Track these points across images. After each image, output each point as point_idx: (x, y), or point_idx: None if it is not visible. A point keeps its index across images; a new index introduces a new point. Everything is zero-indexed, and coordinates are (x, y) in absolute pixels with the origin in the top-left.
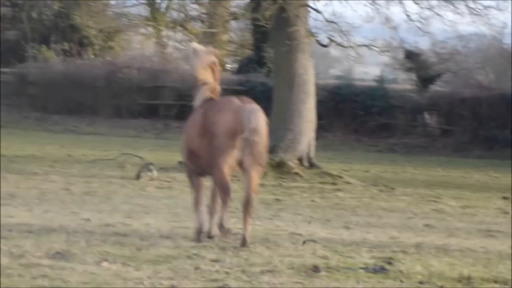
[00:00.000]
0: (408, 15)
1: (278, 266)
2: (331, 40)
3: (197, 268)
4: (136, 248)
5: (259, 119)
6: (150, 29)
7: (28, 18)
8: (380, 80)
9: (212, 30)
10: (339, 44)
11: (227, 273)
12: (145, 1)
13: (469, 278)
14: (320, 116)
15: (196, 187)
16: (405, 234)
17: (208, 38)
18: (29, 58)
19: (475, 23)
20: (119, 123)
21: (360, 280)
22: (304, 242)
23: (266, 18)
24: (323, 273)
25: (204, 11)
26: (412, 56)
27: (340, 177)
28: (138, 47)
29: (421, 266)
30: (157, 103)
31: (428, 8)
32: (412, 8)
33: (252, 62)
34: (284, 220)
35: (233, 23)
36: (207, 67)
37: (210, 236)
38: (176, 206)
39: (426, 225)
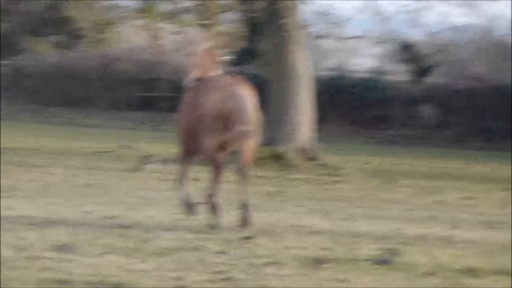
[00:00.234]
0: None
1: (282, 258)
2: (325, 32)
3: (201, 260)
4: (140, 240)
5: (250, 100)
6: (143, 21)
7: (19, 11)
8: (375, 71)
9: (205, 22)
10: (333, 36)
11: (231, 265)
12: None
13: (473, 270)
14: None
15: (182, 161)
16: (409, 225)
17: (201, 30)
18: (24, 50)
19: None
20: (116, 115)
21: (365, 272)
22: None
23: (257, 9)
24: (327, 265)
25: (196, 2)
26: (406, 47)
27: (341, 169)
28: (131, 39)
29: (425, 257)
30: (152, 95)
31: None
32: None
33: (246, 54)
34: (287, 212)
35: (226, 15)
36: (201, 52)
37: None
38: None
39: (429, 217)
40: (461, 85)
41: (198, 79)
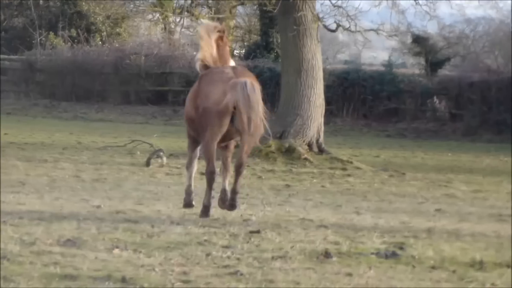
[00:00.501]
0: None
1: (289, 252)
2: (339, 25)
3: (208, 254)
4: (147, 234)
5: (253, 95)
6: (157, 15)
7: (34, 5)
8: (389, 64)
9: (219, 15)
10: (347, 29)
11: (238, 259)
12: None
13: (481, 263)
14: (328, 102)
15: (191, 149)
16: (417, 219)
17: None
18: (37, 45)
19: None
20: (128, 109)
21: (372, 265)
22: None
23: (272, 3)
24: (334, 258)
25: None
26: (420, 40)
27: (350, 162)
28: (146, 33)
29: (433, 251)
30: (165, 89)
31: None
32: None
33: (260, 48)
34: (295, 205)
35: (240, 9)
36: (212, 42)
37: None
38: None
39: (438, 210)
40: (475, 78)
41: (207, 69)
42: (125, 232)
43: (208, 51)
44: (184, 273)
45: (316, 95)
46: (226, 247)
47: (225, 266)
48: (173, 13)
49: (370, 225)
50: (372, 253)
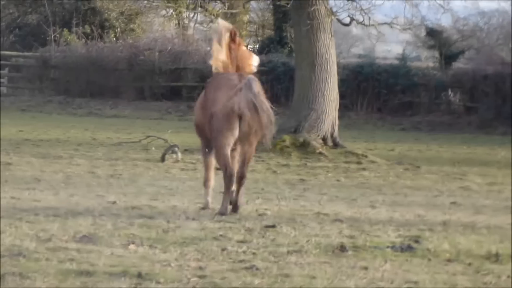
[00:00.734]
0: None
1: (305, 246)
2: (352, 19)
3: (224, 249)
4: (162, 230)
5: (256, 95)
6: (171, 10)
7: (48, 2)
8: (403, 58)
9: (233, 10)
10: (360, 23)
11: (254, 254)
12: None
13: (497, 255)
14: (343, 95)
15: (206, 166)
16: (432, 212)
17: (229, 19)
18: (51, 42)
19: None
20: (142, 105)
21: (387, 258)
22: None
23: None
24: (350, 252)
25: None
26: (434, 33)
27: (365, 156)
28: (160, 29)
29: (448, 244)
30: (179, 85)
31: None
32: None
33: (273, 42)
34: (310, 200)
35: (253, 4)
36: (224, 46)
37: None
38: (201, 188)
39: (453, 203)
40: (489, 71)
41: (216, 73)
42: (140, 228)
43: (218, 58)
44: (200, 268)
45: (330, 89)
46: (242, 241)
47: (241, 261)
48: (187, 8)
49: (385, 218)
50: (388, 247)
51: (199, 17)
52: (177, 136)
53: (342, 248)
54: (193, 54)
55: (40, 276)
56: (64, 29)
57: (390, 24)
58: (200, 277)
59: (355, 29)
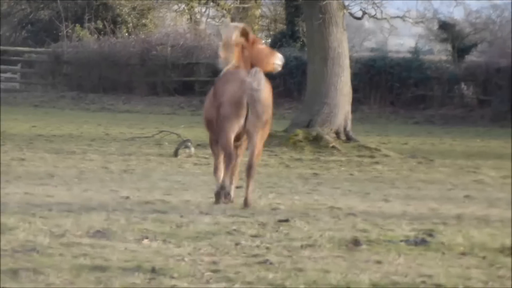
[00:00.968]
0: None
1: (318, 240)
2: (364, 13)
3: (237, 244)
4: (176, 225)
5: (260, 87)
6: (183, 5)
7: None
8: (415, 51)
9: (244, 5)
10: (373, 16)
11: (267, 248)
12: None
13: (511, 248)
14: (355, 89)
15: (215, 155)
16: (445, 205)
17: (241, 14)
18: (63, 37)
19: None
20: (155, 100)
21: (401, 252)
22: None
23: None
24: (363, 246)
25: None
26: (446, 26)
27: (378, 150)
28: (172, 24)
29: (462, 237)
30: (192, 80)
31: None
32: None
33: (286, 37)
34: (323, 194)
35: None
36: (233, 45)
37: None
38: (214, 183)
39: (466, 196)
40: (502, 63)
41: (226, 71)
42: (154, 223)
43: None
44: (214, 262)
45: (343, 83)
46: (255, 236)
47: (254, 255)
48: (199, 3)
49: (399, 212)
50: (402, 241)
51: (211, 11)
52: (190, 131)
53: (356, 242)
54: (205, 49)
55: (54, 272)
56: (77, 24)
57: (402, 18)
58: (214, 271)
59: (367, 23)
